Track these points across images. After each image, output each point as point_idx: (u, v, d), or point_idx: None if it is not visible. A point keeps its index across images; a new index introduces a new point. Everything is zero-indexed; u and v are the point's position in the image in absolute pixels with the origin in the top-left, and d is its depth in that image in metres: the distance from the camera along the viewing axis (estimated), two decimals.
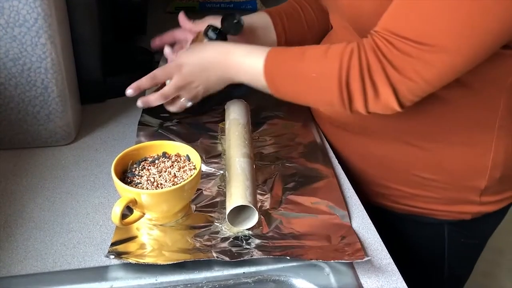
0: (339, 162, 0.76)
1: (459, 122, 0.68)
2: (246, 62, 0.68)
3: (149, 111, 0.85)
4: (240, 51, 0.70)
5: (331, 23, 0.80)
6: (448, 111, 0.68)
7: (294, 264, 0.57)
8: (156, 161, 0.63)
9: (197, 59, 0.72)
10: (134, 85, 0.72)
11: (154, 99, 0.73)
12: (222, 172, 0.71)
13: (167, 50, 0.80)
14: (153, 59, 1.00)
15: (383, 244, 0.61)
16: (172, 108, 0.77)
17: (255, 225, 0.60)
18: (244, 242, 0.59)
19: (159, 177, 0.61)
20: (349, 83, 0.60)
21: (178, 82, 0.72)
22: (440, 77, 0.59)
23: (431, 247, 0.82)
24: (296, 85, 0.65)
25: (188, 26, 0.82)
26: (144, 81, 0.72)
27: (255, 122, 0.82)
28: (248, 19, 0.79)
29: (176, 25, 0.86)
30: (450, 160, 0.72)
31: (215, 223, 0.62)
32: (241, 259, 0.56)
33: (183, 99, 0.75)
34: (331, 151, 0.78)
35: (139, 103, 0.73)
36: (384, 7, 0.60)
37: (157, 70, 0.73)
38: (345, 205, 0.65)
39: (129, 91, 0.72)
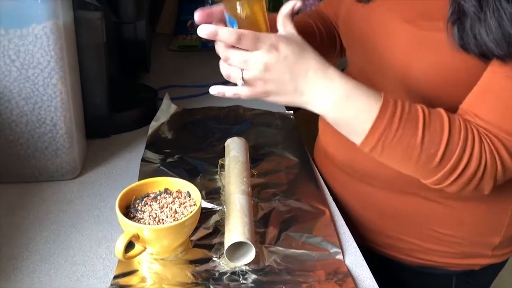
0: (343, 211, 0.77)
1: None
2: (350, 102, 0.59)
3: (152, 147, 0.89)
4: (345, 85, 0.59)
5: (354, 65, 0.80)
6: None
7: None
8: (158, 197, 0.66)
9: (295, 56, 0.57)
10: (209, 27, 0.57)
11: (219, 44, 0.58)
12: (220, 208, 0.73)
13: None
14: (157, 96, 1.04)
15: (374, 281, 0.63)
16: (225, 72, 0.60)
17: (252, 260, 0.63)
18: (241, 277, 0.61)
19: (161, 212, 0.64)
20: (462, 174, 0.59)
21: (259, 57, 0.56)
22: None
23: None
24: (405, 154, 0.59)
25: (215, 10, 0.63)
26: (224, 32, 0.56)
27: (253, 158, 0.86)
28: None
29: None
30: (470, 217, 0.73)
31: (213, 258, 0.64)
32: None
33: (242, 76, 0.58)
34: (326, 188, 0.81)
35: (201, 31, 0.57)
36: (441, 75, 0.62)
37: (248, 32, 0.56)
38: (338, 242, 0.68)
39: (201, 31, 0.57)
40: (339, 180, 0.83)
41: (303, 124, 1.15)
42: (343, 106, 0.59)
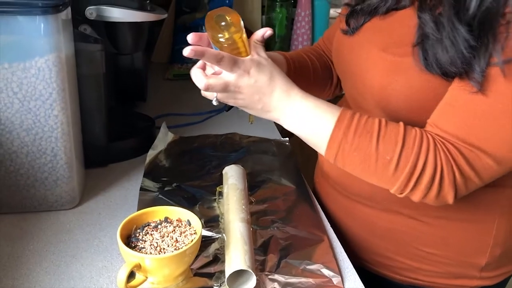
0: (336, 228, 0.78)
1: (464, 201, 0.69)
2: (310, 119, 0.66)
3: (149, 175, 0.89)
4: (305, 104, 0.66)
5: (345, 92, 0.85)
6: None
7: None
8: (159, 226, 0.67)
9: (263, 80, 0.65)
10: (198, 49, 0.62)
11: (195, 73, 0.65)
12: (220, 235, 0.74)
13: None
14: (154, 125, 1.06)
15: None
16: (203, 93, 0.68)
17: None
18: None
19: (162, 241, 0.64)
20: (419, 180, 0.63)
21: (233, 81, 0.64)
22: (495, 176, 0.64)
23: None
24: (364, 162, 0.64)
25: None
26: (208, 54, 0.62)
27: (250, 185, 0.87)
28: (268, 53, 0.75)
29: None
30: (454, 236, 0.75)
31: (214, 287, 0.64)
32: None
33: (215, 97, 0.67)
34: (324, 215, 0.82)
35: (189, 52, 0.62)
36: (416, 94, 0.67)
37: (227, 55, 0.63)
38: (338, 268, 0.69)
39: (189, 51, 0.62)
40: (332, 197, 0.86)
41: (298, 149, 1.17)
42: (304, 121, 0.66)
